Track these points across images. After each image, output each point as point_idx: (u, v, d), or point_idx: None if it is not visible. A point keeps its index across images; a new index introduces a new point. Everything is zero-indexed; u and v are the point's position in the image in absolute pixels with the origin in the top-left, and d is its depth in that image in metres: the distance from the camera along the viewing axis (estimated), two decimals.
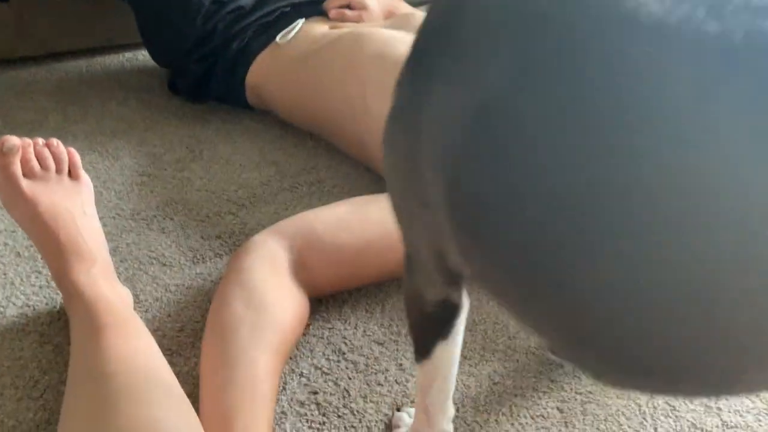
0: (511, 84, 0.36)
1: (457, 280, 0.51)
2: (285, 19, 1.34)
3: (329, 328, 0.87)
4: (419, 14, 1.36)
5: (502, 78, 0.37)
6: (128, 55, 1.61)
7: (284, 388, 0.78)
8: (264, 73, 1.30)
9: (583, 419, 0.75)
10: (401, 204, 0.50)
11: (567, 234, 0.34)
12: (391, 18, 1.39)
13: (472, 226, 0.40)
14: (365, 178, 1.17)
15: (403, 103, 0.46)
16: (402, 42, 1.13)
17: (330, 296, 0.90)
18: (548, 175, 0.34)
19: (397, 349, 0.84)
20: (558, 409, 0.77)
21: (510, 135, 0.36)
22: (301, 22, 1.33)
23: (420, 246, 0.50)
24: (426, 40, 0.45)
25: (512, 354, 0.84)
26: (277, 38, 1.30)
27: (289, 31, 1.31)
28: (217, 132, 1.32)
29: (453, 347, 0.59)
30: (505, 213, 0.36)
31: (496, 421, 0.75)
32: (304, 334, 0.84)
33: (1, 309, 0.88)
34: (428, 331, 0.58)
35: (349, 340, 0.85)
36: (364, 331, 0.87)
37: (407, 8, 1.45)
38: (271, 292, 0.79)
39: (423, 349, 0.60)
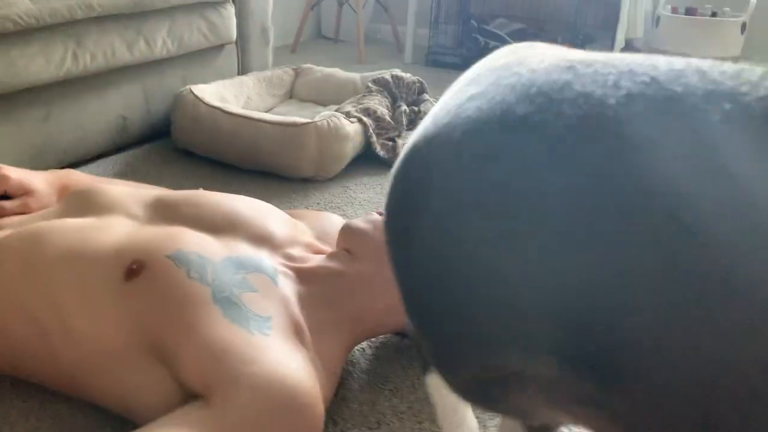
0: None
1: None
2: None
3: None
4: (99, 186, 1.04)
5: None
6: None
7: None
8: None
9: None
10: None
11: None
12: (66, 195, 1.05)
13: None
14: (89, 419, 0.85)
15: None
16: (95, 229, 0.87)
17: None
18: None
19: None
20: None
21: None
22: None
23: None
24: None
25: None
26: None
27: None
28: None
29: None
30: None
31: None
32: None
33: None
34: None
35: None
36: None
37: (81, 177, 1.15)
38: None
39: None
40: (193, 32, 1.96)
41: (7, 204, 1.02)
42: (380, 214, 0.94)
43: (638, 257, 0.35)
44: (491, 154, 0.41)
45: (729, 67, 0.40)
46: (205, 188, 1.55)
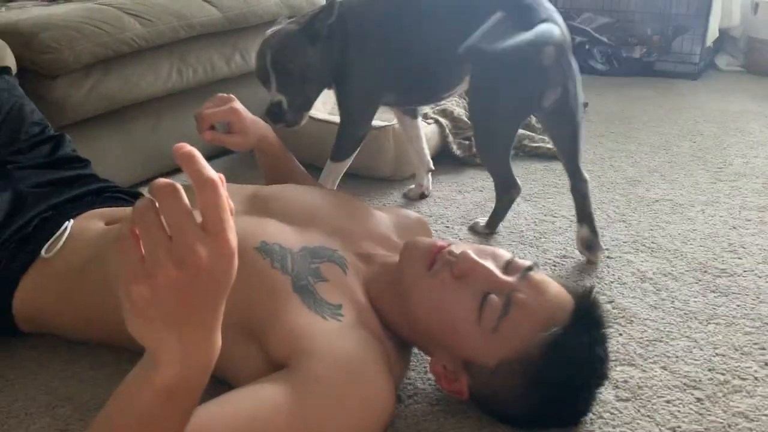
0: None
1: None
2: (47, 226, 1.10)
3: None
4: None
5: None
6: None
7: None
8: (36, 296, 1.05)
9: None
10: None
11: None
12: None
13: None
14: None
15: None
16: None
17: None
18: None
19: None
20: None
21: None
22: (68, 224, 1.10)
23: None
24: None
25: None
26: (42, 252, 1.06)
27: (56, 240, 1.07)
28: None
29: None
30: None
31: None
32: None
33: None
34: None
35: None
36: None
37: (274, 140, 1.25)
38: None
39: None
40: None
41: (225, 138, 1.19)
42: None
43: None
44: None
45: None
46: None
